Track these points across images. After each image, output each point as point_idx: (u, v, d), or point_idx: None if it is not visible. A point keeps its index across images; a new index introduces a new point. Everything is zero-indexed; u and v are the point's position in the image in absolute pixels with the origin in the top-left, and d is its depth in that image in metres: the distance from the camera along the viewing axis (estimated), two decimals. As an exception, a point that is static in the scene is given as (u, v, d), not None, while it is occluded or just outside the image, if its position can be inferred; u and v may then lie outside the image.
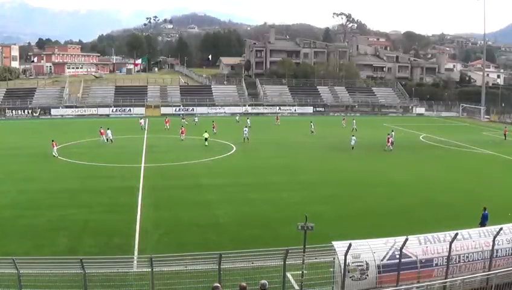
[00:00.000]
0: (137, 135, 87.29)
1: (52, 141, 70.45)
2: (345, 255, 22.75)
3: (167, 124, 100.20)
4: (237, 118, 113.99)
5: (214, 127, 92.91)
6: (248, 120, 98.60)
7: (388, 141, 75.62)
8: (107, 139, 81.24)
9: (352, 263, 23.23)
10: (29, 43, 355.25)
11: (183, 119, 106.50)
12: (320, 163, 65.16)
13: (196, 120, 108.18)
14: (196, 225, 37.89)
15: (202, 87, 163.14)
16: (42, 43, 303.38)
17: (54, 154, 68.51)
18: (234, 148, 74.10)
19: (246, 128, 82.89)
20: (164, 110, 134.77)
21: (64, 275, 23.89)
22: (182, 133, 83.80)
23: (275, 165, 62.13)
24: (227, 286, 21.96)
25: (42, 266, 24.25)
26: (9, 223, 39.66)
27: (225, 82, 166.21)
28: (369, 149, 75.64)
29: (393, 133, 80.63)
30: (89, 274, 23.47)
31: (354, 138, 75.52)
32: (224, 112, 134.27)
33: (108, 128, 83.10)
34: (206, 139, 78.27)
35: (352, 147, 74.50)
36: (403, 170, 61.09)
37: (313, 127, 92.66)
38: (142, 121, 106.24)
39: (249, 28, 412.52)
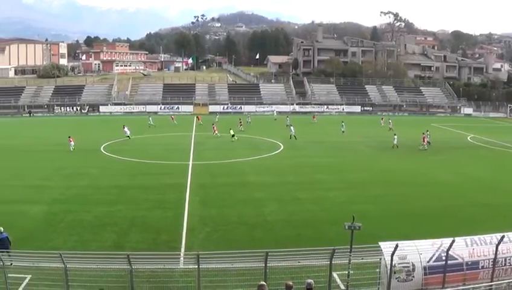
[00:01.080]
0: (185, 133, 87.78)
1: (69, 137, 73.87)
2: (392, 256, 22.60)
3: (199, 120, 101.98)
4: (274, 115, 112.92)
5: (240, 123, 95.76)
6: (288, 118, 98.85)
7: (424, 140, 75.06)
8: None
9: (399, 264, 23.00)
10: (77, 40, 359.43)
11: (217, 115, 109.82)
12: (366, 162, 64.85)
13: (249, 120, 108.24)
14: (243, 222, 38.01)
15: (250, 85, 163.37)
16: (90, 41, 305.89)
17: (71, 148, 71.84)
18: (282, 147, 74.14)
19: (292, 127, 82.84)
20: (212, 108, 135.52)
21: (111, 271, 24.20)
22: (214, 130, 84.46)
23: (321, 164, 61.91)
24: (273, 284, 22.02)
25: (89, 261, 24.63)
26: (57, 218, 40.32)
27: (273, 81, 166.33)
28: (413, 149, 74.94)
29: (428, 133, 79.83)
30: (136, 270, 23.78)
31: (396, 137, 74.92)
32: (273, 111, 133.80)
33: (124, 126, 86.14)
34: (233, 135, 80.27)
35: (393, 146, 74.09)
36: (449, 170, 60.18)
37: (344, 127, 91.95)
38: (173, 117, 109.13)
39: (296, 27, 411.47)
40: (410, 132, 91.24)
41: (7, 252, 26.31)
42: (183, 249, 32.16)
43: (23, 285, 26.46)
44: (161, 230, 36.67)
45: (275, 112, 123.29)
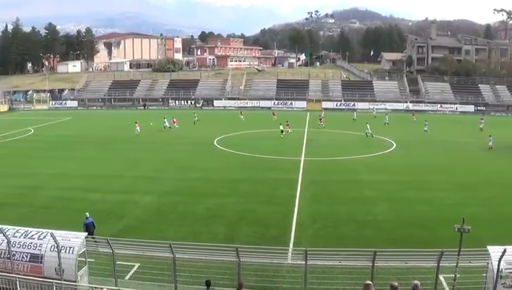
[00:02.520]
0: (298, 129, 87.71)
1: (136, 122, 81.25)
2: (499, 261, 21.69)
3: (274, 116, 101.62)
4: (354, 115, 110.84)
5: (320, 120, 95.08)
6: (387, 116, 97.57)
7: None
8: (164, 127, 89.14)
9: (506, 269, 22.09)
10: (192, 36, 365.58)
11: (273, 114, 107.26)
12: (473, 162, 62.85)
13: (355, 116, 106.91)
14: (353, 220, 37.65)
15: (363, 82, 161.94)
16: (205, 36, 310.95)
17: (136, 132, 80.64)
18: (394, 145, 73.13)
19: (368, 125, 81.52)
20: (325, 104, 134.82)
21: (219, 263, 24.55)
22: (288, 127, 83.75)
23: (431, 164, 60.32)
24: (379, 284, 21.66)
25: (198, 252, 24.97)
26: (169, 209, 41.34)
27: (386, 78, 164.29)
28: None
29: None
30: (244, 263, 23.95)
31: (491, 138, 72.33)
32: (385, 108, 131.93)
33: (164, 118, 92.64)
34: (282, 131, 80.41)
35: (490, 148, 71.46)
36: None
37: (427, 126, 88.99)
38: (241, 112, 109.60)
39: (410, 24, 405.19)
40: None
41: (92, 237, 26.91)
42: (291, 245, 32.19)
43: (131, 273, 27.18)
44: (270, 225, 36.86)
45: (374, 109, 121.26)
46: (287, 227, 36.02)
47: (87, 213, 32.82)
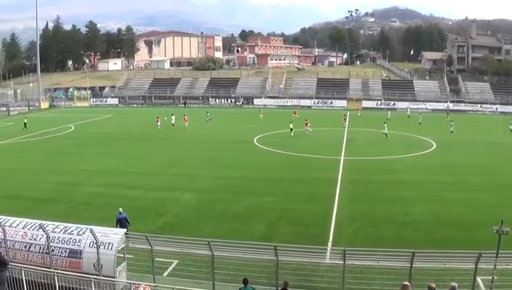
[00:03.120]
0: (338, 128, 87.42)
1: (157, 117, 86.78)
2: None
3: (295, 115, 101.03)
4: (388, 115, 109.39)
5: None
6: (420, 116, 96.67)
7: None
8: (173, 124, 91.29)
9: None
10: (232, 34, 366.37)
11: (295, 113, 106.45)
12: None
13: (389, 116, 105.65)
14: (392, 221, 37.47)
15: (404, 81, 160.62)
16: (245, 35, 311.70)
17: (158, 127, 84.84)
18: (434, 145, 72.40)
19: (384, 124, 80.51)
20: (365, 103, 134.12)
21: (257, 261, 24.52)
22: (306, 125, 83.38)
23: (472, 165, 59.69)
24: (417, 285, 21.50)
25: (236, 250, 25.01)
26: (208, 207, 41.55)
27: (427, 77, 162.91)
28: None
29: None
30: (282, 262, 23.91)
31: None
32: (426, 108, 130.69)
33: (172, 114, 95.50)
34: (291, 130, 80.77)
35: None
36: None
37: (453, 127, 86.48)
38: (262, 112, 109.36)
39: (450, 23, 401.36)
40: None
41: (125, 233, 27.05)
42: (330, 244, 32.06)
43: (169, 269, 27.35)
44: (309, 224, 36.84)
45: (408, 109, 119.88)
46: (326, 226, 35.96)
47: (120, 208, 33.08)
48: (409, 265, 22.60)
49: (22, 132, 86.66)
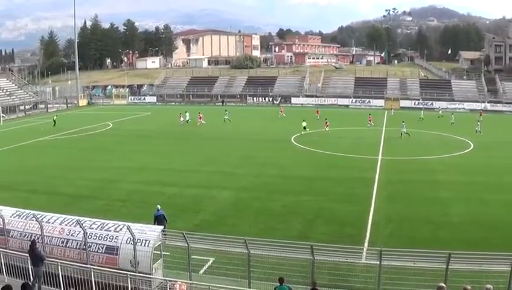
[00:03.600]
0: (375, 127, 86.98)
1: (180, 113, 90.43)
2: None
3: (317, 114, 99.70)
4: (421, 114, 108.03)
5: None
6: (452, 116, 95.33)
7: None
8: (187, 121, 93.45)
9: None
10: (269, 33, 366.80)
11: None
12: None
13: (422, 115, 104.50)
14: (428, 221, 37.19)
15: (441, 81, 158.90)
16: (283, 34, 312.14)
17: (180, 123, 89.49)
18: (472, 146, 71.63)
19: (403, 124, 79.09)
20: (403, 103, 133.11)
21: (293, 260, 24.53)
22: (326, 126, 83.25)
23: (510, 165, 58.82)
24: (452, 287, 21.34)
25: (272, 249, 25.05)
26: (245, 205, 41.83)
27: (464, 77, 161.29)
28: None
29: None
30: (318, 261, 23.96)
31: None
32: (463, 108, 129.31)
33: (186, 112, 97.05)
34: (304, 127, 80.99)
35: None
36: None
37: (479, 126, 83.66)
38: (282, 110, 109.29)
39: (487, 22, 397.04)
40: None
41: (162, 230, 27.15)
42: (366, 244, 32.04)
43: (205, 267, 27.56)
44: (346, 223, 36.87)
45: (440, 109, 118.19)
46: (363, 226, 35.91)
47: (158, 205, 33.34)
48: (445, 266, 22.47)
49: (60, 129, 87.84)
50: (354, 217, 38.16)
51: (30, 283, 24.27)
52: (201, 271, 27.36)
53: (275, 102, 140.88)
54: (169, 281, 23.64)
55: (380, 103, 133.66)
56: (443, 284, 20.00)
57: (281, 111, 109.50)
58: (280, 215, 38.81)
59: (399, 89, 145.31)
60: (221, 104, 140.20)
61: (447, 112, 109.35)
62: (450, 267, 22.46)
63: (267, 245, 25.26)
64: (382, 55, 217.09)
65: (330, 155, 63.57)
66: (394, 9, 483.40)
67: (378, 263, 23.19)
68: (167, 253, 26.60)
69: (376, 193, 45.05)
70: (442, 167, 57.31)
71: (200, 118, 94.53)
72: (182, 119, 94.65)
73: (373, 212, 39.17)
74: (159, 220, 31.89)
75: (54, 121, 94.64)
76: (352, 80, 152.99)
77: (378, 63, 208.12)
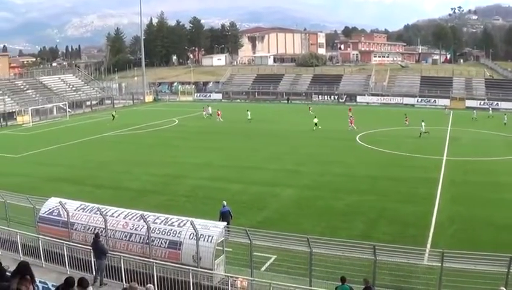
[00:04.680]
0: (440, 127, 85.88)
1: (203, 107, 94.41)
2: None
3: (350, 112, 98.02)
4: (446, 111, 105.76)
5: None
6: (505, 116, 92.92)
7: None
8: (210, 115, 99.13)
9: None
10: (335, 31, 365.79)
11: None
12: None
13: (475, 115, 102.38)
14: (491, 224, 36.69)
15: (507, 81, 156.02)
16: (348, 31, 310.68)
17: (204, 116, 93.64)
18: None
19: (423, 123, 77.02)
20: (469, 103, 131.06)
21: (355, 260, 24.64)
22: (351, 122, 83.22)
23: None
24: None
25: (334, 248, 25.08)
26: (308, 203, 42.02)
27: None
28: None
29: None
30: (380, 261, 24.03)
31: None
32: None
33: (208, 106, 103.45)
34: (316, 124, 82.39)
35: None
36: None
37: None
38: (311, 111, 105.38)
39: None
40: None
41: (227, 226, 27.38)
42: (428, 245, 31.89)
43: (267, 264, 27.83)
44: (409, 224, 36.75)
45: (475, 112, 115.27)
46: (426, 227, 35.74)
47: (224, 201, 33.78)
48: (506, 270, 22.29)
49: (126, 124, 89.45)
50: (417, 218, 37.98)
51: (93, 276, 24.98)
52: (263, 268, 27.64)
53: (340, 100, 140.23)
54: (230, 277, 23.92)
55: (446, 102, 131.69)
56: (504, 288, 19.87)
57: (309, 109, 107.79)
58: (343, 215, 38.93)
59: (464, 89, 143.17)
60: (286, 101, 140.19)
61: (499, 113, 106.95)
62: (511, 271, 22.27)
63: (329, 244, 25.33)
64: (448, 54, 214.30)
65: (395, 155, 63.16)
66: (459, 7, 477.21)
67: (439, 264, 23.11)
68: (229, 249, 26.94)
69: (440, 194, 44.61)
70: (506, 168, 56.28)
71: (218, 114, 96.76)
72: (205, 112, 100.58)
73: (436, 213, 38.92)
74: (224, 216, 32.29)
75: (113, 116, 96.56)
76: (418, 79, 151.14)
77: (443, 62, 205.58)
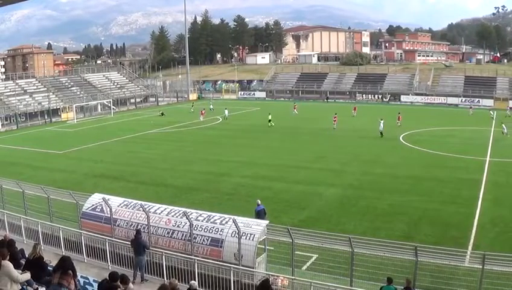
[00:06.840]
0: (484, 127, 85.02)
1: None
2: None
3: (354, 111, 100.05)
4: (470, 112, 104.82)
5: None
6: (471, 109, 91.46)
7: None
8: (210, 109, 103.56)
9: None
10: (379, 29, 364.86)
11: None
12: None
13: (508, 111, 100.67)
14: (534, 226, 36.28)
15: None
16: (392, 30, 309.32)
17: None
18: None
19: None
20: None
21: (396, 260, 24.61)
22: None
23: None
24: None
25: (376, 248, 25.24)
26: (351, 203, 42.06)
27: None
28: None
29: None
30: (421, 262, 23.94)
31: None
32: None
33: (226, 108, 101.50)
34: (269, 120, 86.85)
35: None
36: None
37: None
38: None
39: None
40: None
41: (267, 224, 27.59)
42: (470, 247, 31.72)
43: (308, 263, 27.96)
44: (451, 225, 36.44)
45: (491, 111, 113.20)
46: (468, 229, 35.44)
47: (258, 200, 34.06)
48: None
49: (170, 122, 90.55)
50: (459, 219, 37.74)
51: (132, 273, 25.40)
52: (304, 267, 27.78)
53: (384, 99, 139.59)
54: (271, 275, 24.10)
55: (490, 102, 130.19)
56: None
57: (295, 108, 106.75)
58: (385, 215, 38.83)
59: (508, 89, 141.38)
60: (324, 100, 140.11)
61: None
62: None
63: (371, 244, 25.45)
64: (497, 54, 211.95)
65: (438, 155, 62.63)
66: (503, 6, 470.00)
67: (480, 267, 22.98)
68: (271, 248, 27.16)
69: (482, 196, 44.18)
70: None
71: (202, 113, 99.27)
72: (211, 107, 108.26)
73: (479, 215, 38.57)
74: (259, 214, 32.46)
75: (162, 113, 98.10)
76: (462, 79, 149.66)
77: (487, 62, 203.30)
